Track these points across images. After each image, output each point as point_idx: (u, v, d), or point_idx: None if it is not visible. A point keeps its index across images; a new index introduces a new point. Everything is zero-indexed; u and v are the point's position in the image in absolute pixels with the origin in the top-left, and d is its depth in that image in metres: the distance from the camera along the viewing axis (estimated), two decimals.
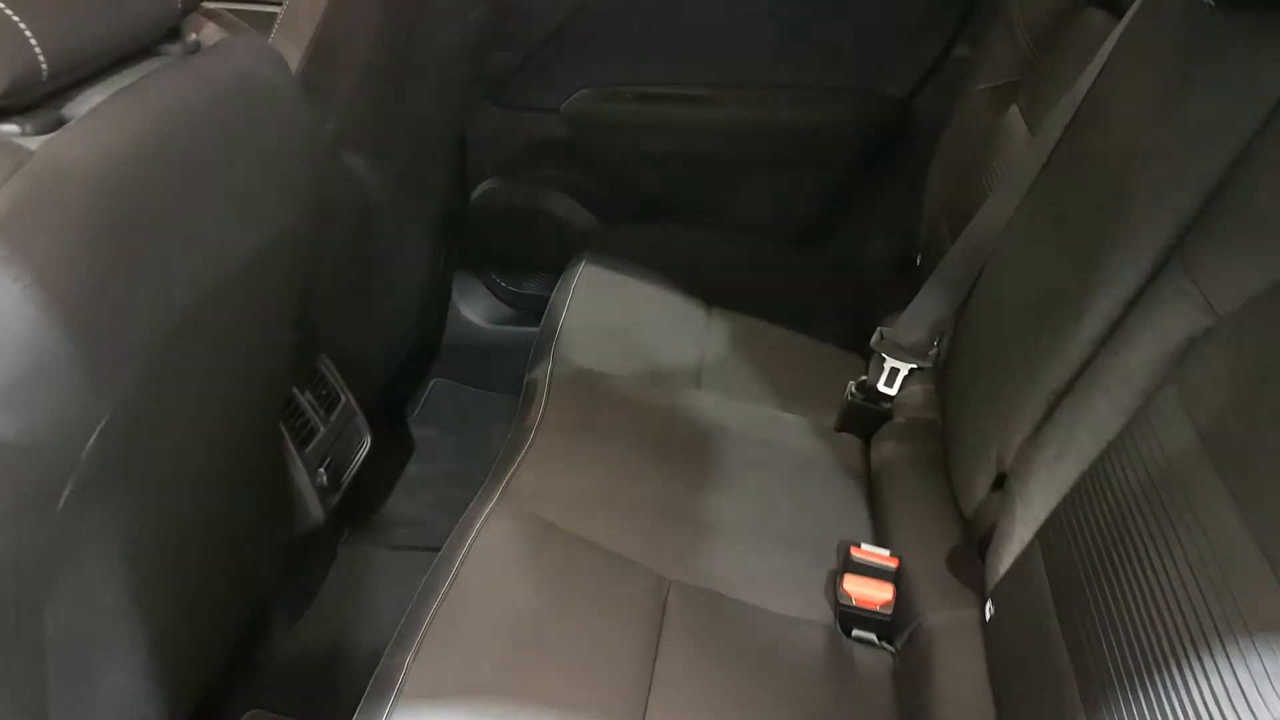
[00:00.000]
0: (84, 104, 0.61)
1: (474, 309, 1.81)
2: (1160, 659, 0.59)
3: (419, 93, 1.19)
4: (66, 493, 0.62)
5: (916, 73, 1.51)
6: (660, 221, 1.60)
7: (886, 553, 0.93)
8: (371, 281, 1.28)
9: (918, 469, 1.06)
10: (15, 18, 0.55)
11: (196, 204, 0.69)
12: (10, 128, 0.56)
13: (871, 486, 1.10)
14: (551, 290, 1.43)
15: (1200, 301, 0.70)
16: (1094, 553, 0.70)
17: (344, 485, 1.19)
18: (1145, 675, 0.60)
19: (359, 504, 1.47)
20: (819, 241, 1.63)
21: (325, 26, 0.99)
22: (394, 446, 1.62)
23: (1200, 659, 0.56)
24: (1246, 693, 0.52)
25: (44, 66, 0.56)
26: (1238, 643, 0.54)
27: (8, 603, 0.63)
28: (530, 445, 1.06)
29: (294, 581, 1.26)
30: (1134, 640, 0.62)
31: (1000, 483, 0.89)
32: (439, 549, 0.92)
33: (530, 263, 1.75)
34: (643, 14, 1.54)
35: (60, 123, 0.59)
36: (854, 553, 0.93)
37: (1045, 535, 0.78)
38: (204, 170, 0.70)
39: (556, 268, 1.48)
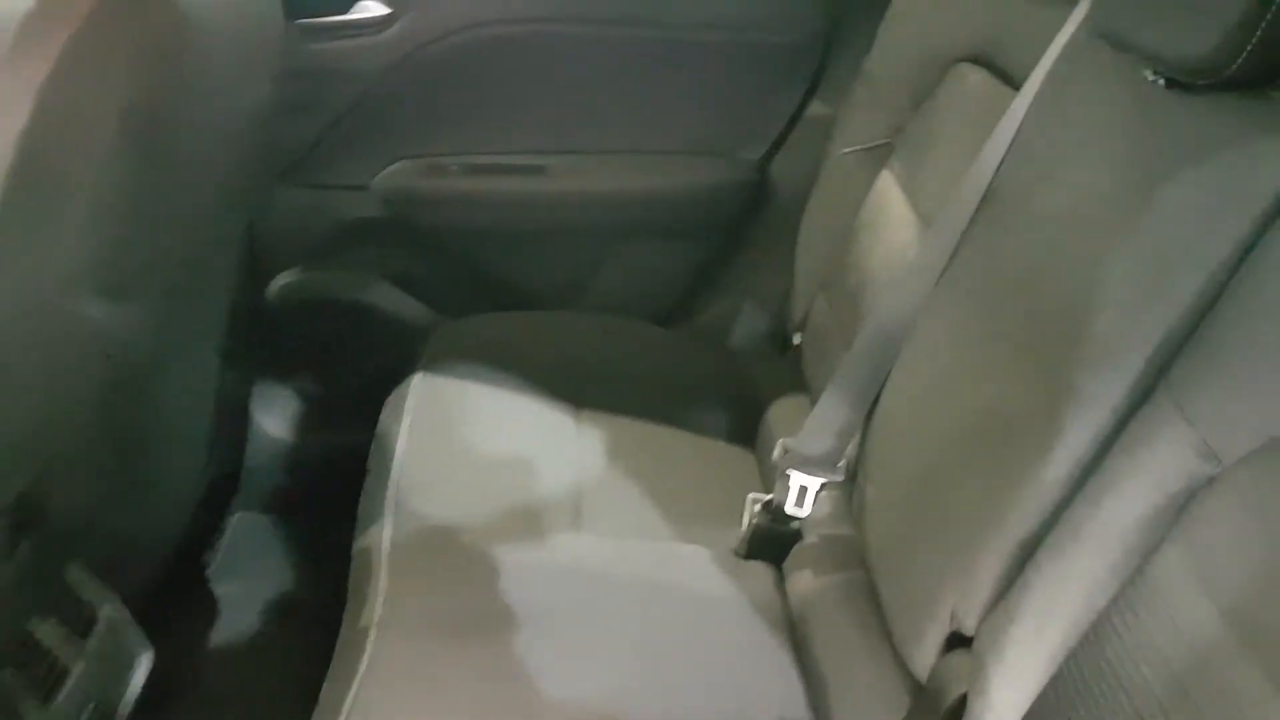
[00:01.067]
0: None
1: (280, 423, 1.52)
2: None
3: (184, 192, 0.93)
4: None
5: (770, 134, 1.39)
6: (507, 311, 1.38)
7: None
8: (132, 444, 0.99)
9: (846, 609, 0.90)
10: None
11: None
12: None
13: (795, 629, 0.92)
14: (380, 391, 1.20)
15: (1198, 443, 0.57)
16: None
17: None
18: None
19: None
20: (686, 320, 1.47)
21: (35, 138, 0.72)
22: (193, 611, 1.32)
23: None
24: None
25: None
26: None
27: None
28: (369, 662, 0.80)
29: None
30: None
31: (958, 640, 0.74)
32: None
33: (349, 366, 1.49)
34: (462, 76, 1.33)
35: None
36: None
37: None
38: None
39: (385, 367, 1.25)
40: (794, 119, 1.37)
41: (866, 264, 1.09)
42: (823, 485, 0.95)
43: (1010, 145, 0.83)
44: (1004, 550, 0.69)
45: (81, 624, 0.86)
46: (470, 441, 1.11)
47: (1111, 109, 0.73)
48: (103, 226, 0.80)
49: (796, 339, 1.25)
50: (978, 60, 1.02)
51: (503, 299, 1.43)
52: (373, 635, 0.82)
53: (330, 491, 1.24)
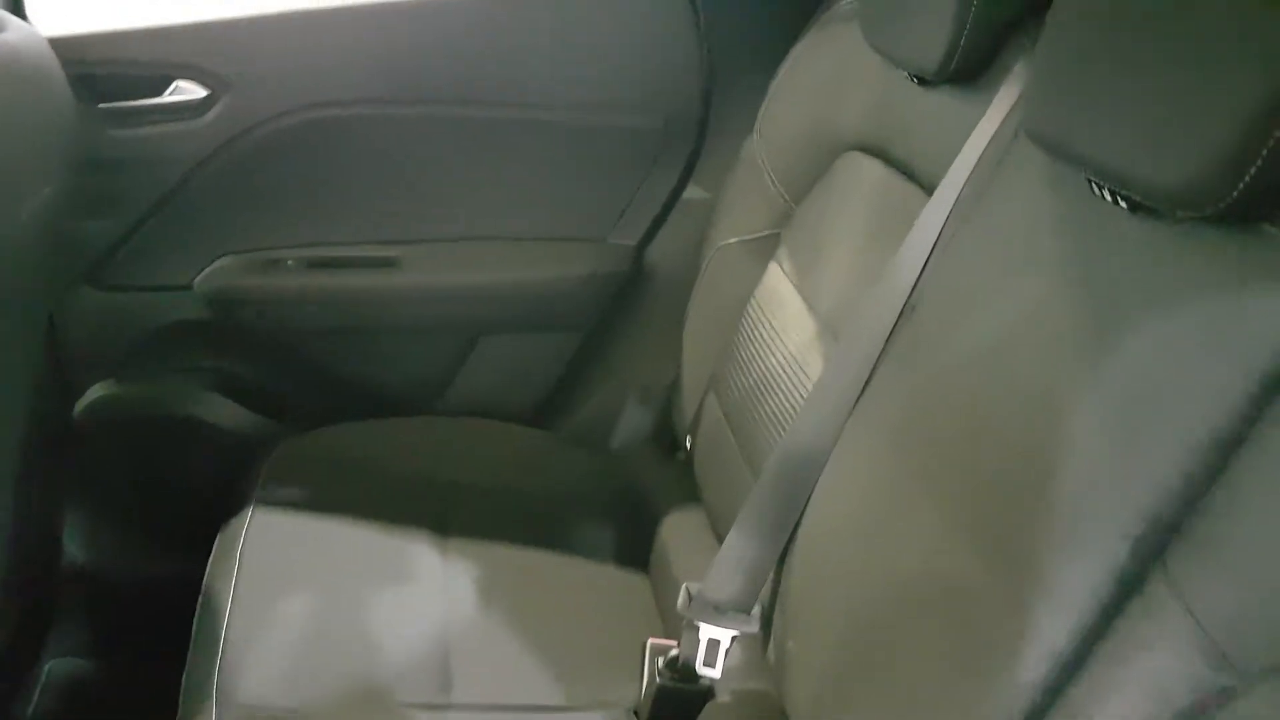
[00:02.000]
0: None
1: (97, 555, 1.31)
2: None
3: None
4: None
5: (645, 218, 1.29)
6: (360, 420, 1.22)
7: None
8: None
9: None
10: None
11: None
12: None
13: None
14: (210, 515, 1.05)
15: (1207, 646, 0.48)
16: None
17: None
18: None
19: None
20: (561, 421, 1.34)
21: None
22: None
23: None
24: None
25: None
26: None
27: None
28: None
29: None
30: None
31: None
32: None
33: (177, 486, 1.30)
34: (294, 162, 1.18)
35: None
36: None
37: None
38: None
39: (218, 487, 1.10)
40: (670, 203, 1.28)
41: (763, 364, 1.00)
42: (734, 638, 0.85)
43: (930, 252, 0.74)
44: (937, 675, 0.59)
45: None
46: (316, 593, 0.95)
47: (1059, 225, 0.63)
48: None
49: (688, 443, 1.15)
50: (869, 150, 0.96)
51: (354, 406, 1.27)
52: None
53: (157, 631, 1.06)
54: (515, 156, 1.24)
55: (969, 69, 0.79)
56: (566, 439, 1.30)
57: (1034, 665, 0.54)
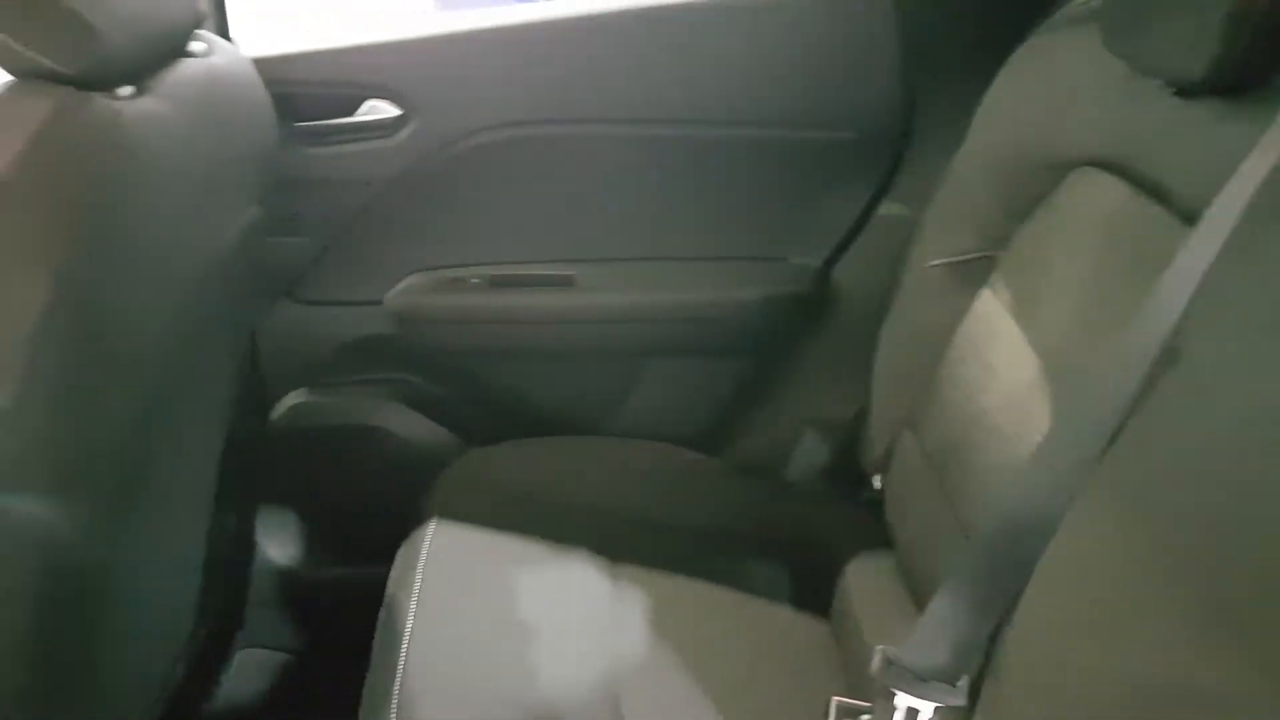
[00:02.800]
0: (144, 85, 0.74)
1: (287, 554, 1.38)
2: None
3: (134, 368, 0.77)
4: None
5: (833, 237, 1.22)
6: (534, 437, 1.22)
7: None
8: (95, 630, 0.83)
9: None
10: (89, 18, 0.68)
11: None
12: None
13: None
14: (394, 521, 1.07)
15: None
16: None
17: None
18: None
19: None
20: (733, 449, 1.29)
21: None
22: None
23: None
24: None
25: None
26: None
27: None
28: None
29: None
30: None
31: None
32: None
33: (363, 492, 1.33)
34: (482, 181, 1.18)
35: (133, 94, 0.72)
36: None
37: None
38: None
39: (400, 495, 1.11)
40: (861, 221, 1.20)
41: (975, 404, 0.91)
42: (936, 709, 0.76)
43: (1195, 290, 0.64)
44: None
45: None
46: (490, 616, 0.94)
47: None
48: (31, 415, 0.65)
49: (877, 482, 1.07)
50: (1107, 167, 0.84)
51: (529, 423, 1.27)
52: None
53: (340, 628, 1.10)
54: (695, 173, 1.19)
55: (1244, 78, 0.68)
56: (739, 468, 1.24)
57: None
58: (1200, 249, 0.64)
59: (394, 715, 0.84)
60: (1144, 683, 0.56)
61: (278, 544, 1.39)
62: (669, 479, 1.18)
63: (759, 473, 1.24)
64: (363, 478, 1.32)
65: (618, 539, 1.04)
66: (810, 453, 1.23)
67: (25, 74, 0.71)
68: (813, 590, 1.02)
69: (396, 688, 0.87)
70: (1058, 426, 0.70)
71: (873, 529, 1.04)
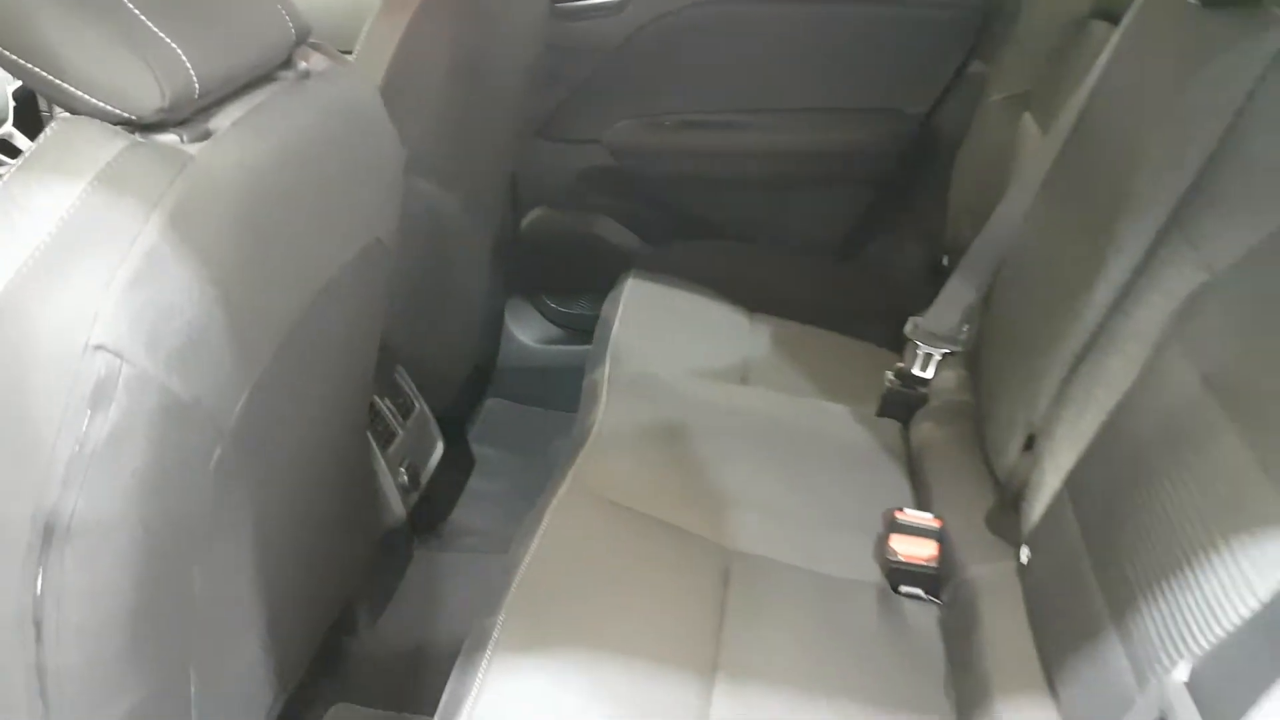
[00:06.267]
0: (226, 119, 0.72)
1: (526, 331, 1.92)
2: (1178, 570, 0.66)
3: (479, 127, 1.31)
4: (216, 454, 0.72)
5: (934, 91, 1.62)
6: (702, 241, 1.70)
7: (929, 515, 1.01)
8: (440, 302, 1.39)
9: (955, 444, 1.14)
10: (175, 46, 0.66)
11: (311, 211, 0.80)
12: (171, 137, 0.68)
13: (912, 463, 1.17)
14: (599, 310, 1.53)
15: (1198, 262, 0.78)
16: (1117, 493, 0.78)
17: (422, 485, 1.29)
18: (1166, 585, 0.67)
19: (429, 514, 1.57)
20: (854, 254, 1.72)
21: (398, 61, 1.12)
22: (457, 462, 1.72)
23: (1211, 561, 0.63)
24: (1249, 578, 0.59)
25: (196, 86, 0.68)
26: (1243, 541, 0.61)
27: (168, 556, 0.73)
28: (593, 439, 1.15)
29: (374, 582, 1.35)
30: (1156, 561, 0.70)
31: (1030, 444, 0.97)
32: (507, 553, 0.97)
33: (579, 285, 1.86)
34: (677, 48, 1.67)
35: (208, 134, 0.70)
36: (898, 515, 1.01)
37: (1073, 483, 0.85)
38: (318, 182, 0.81)
39: (603, 289, 1.59)
40: (955, 77, 1.60)
41: (1002, 191, 1.31)
42: (944, 355, 1.20)
43: (1104, 70, 1.04)
44: (1062, 361, 0.92)
45: (403, 411, 1.27)
46: (666, 324, 1.44)
47: (1163, 27, 0.94)
48: (437, 130, 1.19)
49: (945, 260, 1.48)
50: (1103, 16, 1.22)
51: (703, 232, 1.75)
52: (595, 428, 1.16)
53: (561, 387, 1.59)
54: (837, 43, 1.62)
55: None
56: (852, 266, 1.67)
57: (1104, 290, 0.88)
58: (1109, 51, 1.04)
59: (608, 361, 1.31)
60: (1053, 271, 0.99)
61: (518, 323, 1.93)
62: (796, 271, 1.63)
63: (867, 269, 1.67)
64: (580, 271, 1.84)
65: (756, 303, 1.49)
66: (906, 253, 1.65)
67: (87, 114, 0.65)
68: (893, 340, 1.43)
69: (610, 349, 1.36)
70: (1024, 172, 1.11)
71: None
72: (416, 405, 1.31)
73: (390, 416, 1.23)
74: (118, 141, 0.64)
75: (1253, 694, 0.53)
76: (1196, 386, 0.74)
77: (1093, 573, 0.78)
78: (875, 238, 1.71)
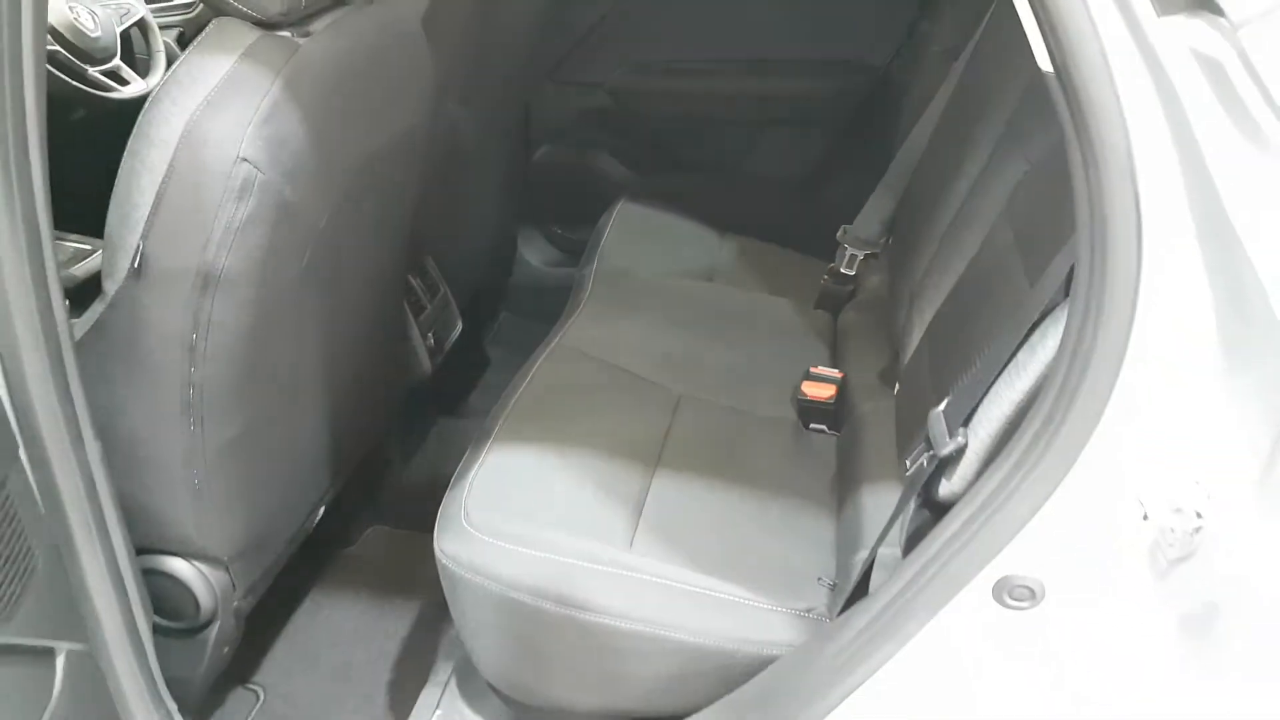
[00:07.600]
0: (320, 24, 1.06)
1: (535, 255, 2.20)
2: (974, 361, 0.94)
3: (500, 63, 1.58)
4: (307, 255, 1.03)
5: (891, 45, 1.87)
6: (684, 173, 1.98)
7: (836, 370, 1.29)
8: (461, 210, 1.67)
9: (868, 326, 1.42)
10: None
11: (372, 92, 1.14)
12: (286, 33, 1.01)
13: (835, 342, 1.45)
14: (594, 223, 1.82)
15: (1023, 156, 1.05)
16: (951, 327, 1.06)
17: (445, 351, 1.58)
18: (964, 376, 0.95)
19: (450, 395, 1.87)
20: (817, 191, 1.99)
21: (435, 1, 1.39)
22: (472, 359, 2.02)
23: (993, 348, 0.91)
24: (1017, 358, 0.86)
25: (302, 2, 1.03)
26: (1015, 333, 0.89)
27: (270, 314, 1.02)
28: (579, 314, 1.44)
29: (405, 428, 1.65)
30: (962, 361, 0.97)
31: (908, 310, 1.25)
32: None
33: (581, 214, 2.12)
34: (668, 2, 1.93)
35: (309, 33, 1.03)
36: (811, 370, 1.29)
37: (930, 330, 1.13)
38: (378, 72, 1.15)
39: (600, 209, 1.83)
40: (908, 34, 1.85)
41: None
42: (865, 257, 1.47)
43: (988, 23, 1.30)
44: (931, 239, 1.19)
45: (430, 291, 1.56)
46: (649, 236, 1.72)
47: None
48: (462, 55, 1.47)
49: None
50: None
51: (681, 166, 2.03)
52: (582, 306, 1.46)
53: (565, 304, 1.87)
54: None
55: None
56: (814, 200, 1.95)
57: (962, 184, 1.15)
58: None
59: (598, 255, 1.61)
60: (939, 181, 1.26)
61: (529, 247, 2.21)
62: (766, 200, 1.90)
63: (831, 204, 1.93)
64: (581, 199, 2.11)
65: (726, 225, 1.76)
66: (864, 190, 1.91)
67: (229, 14, 0.98)
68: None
69: (600, 248, 1.64)
70: (932, 107, 1.38)
71: None
72: (441, 288, 1.60)
73: (420, 292, 1.53)
74: (254, 33, 0.98)
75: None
76: (1011, 244, 1.01)
77: (929, 376, 1.06)
78: (836, 178, 1.97)
